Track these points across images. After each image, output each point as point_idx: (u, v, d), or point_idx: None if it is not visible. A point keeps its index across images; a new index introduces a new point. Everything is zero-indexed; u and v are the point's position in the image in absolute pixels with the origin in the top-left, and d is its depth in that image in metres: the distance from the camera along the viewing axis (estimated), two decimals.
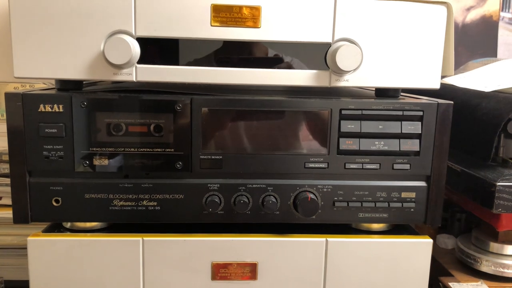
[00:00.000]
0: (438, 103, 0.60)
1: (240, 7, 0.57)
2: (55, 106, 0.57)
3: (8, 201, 0.85)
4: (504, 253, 0.73)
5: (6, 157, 0.85)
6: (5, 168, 0.86)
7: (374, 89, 0.66)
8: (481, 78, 0.84)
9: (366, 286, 0.63)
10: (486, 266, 0.72)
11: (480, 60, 1.04)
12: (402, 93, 0.70)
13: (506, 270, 0.71)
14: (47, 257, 0.60)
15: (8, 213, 0.84)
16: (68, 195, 0.59)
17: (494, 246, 0.73)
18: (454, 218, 0.89)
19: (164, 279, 0.61)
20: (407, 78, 0.60)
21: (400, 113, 0.60)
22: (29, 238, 0.59)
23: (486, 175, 0.67)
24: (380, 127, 0.60)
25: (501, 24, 1.27)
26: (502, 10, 1.27)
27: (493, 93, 0.72)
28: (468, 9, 1.26)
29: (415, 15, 0.59)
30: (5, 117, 0.57)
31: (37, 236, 0.60)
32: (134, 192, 0.60)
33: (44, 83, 0.85)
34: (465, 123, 0.73)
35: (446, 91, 0.84)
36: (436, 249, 0.83)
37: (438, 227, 0.90)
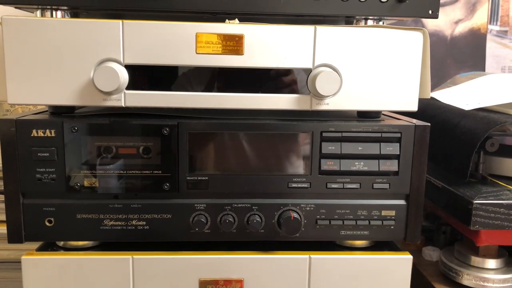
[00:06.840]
0: (415, 125, 0.62)
1: (224, 36, 0.59)
2: (47, 131, 0.59)
3: (4, 217, 0.87)
4: (485, 266, 0.75)
5: (0, 174, 0.87)
6: (0, 185, 0.88)
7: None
8: (465, 94, 0.86)
9: None
10: (467, 279, 0.74)
11: (467, 74, 1.06)
12: (383, 114, 0.72)
13: (486, 284, 0.73)
14: (41, 275, 0.62)
15: (4, 229, 0.86)
16: (60, 216, 0.62)
17: (475, 260, 0.75)
18: (439, 231, 0.91)
19: None
20: (385, 101, 0.63)
21: (378, 135, 0.62)
22: (23, 257, 0.62)
23: (464, 192, 0.69)
24: (359, 148, 0.62)
25: (489, 37, 1.29)
26: (490, 23, 1.29)
27: (473, 112, 0.75)
28: (457, 22, 1.28)
29: (392, 42, 0.61)
30: None
31: (31, 255, 0.63)
32: (123, 212, 0.62)
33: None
34: (446, 141, 0.75)
35: (429, 107, 0.87)
36: (421, 261, 0.86)
37: (425, 239, 0.93)
